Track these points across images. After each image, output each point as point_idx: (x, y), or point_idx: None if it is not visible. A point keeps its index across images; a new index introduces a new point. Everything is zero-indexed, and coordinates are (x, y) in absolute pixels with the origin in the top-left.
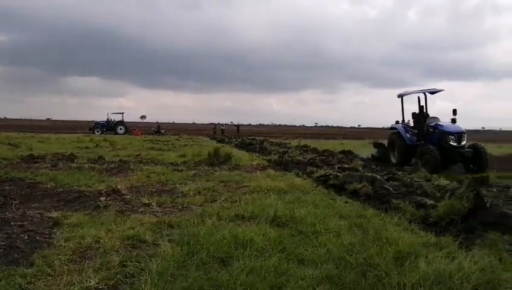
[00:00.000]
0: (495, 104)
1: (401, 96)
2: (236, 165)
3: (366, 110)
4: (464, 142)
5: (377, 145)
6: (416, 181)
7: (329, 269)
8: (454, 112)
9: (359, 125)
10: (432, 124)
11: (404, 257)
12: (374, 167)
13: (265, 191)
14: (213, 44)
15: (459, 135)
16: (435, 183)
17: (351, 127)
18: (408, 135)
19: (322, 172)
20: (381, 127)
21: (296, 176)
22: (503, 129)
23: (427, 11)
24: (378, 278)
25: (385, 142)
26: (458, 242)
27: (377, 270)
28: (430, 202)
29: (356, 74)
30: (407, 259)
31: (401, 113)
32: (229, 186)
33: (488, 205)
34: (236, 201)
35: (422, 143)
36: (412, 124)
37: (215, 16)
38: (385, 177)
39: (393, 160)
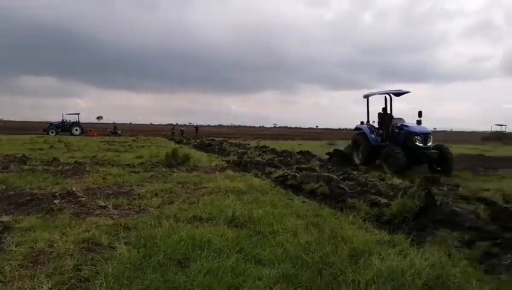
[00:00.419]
0: (446, 105)
1: (367, 96)
2: (194, 166)
3: (324, 111)
4: (429, 143)
5: (336, 152)
6: (370, 181)
7: (286, 268)
8: (420, 113)
9: (317, 126)
10: (397, 125)
11: (359, 255)
12: (330, 167)
13: (224, 192)
14: (172, 44)
15: (425, 135)
16: (389, 183)
17: (309, 128)
18: (373, 136)
19: (280, 172)
20: (337, 128)
21: (254, 176)
22: (453, 130)
23: (382, 14)
24: (334, 276)
25: (340, 143)
26: (410, 239)
27: (332, 269)
28: (383, 200)
29: (314, 76)
30: (361, 257)
31: (367, 113)
32: (187, 187)
33: (438, 203)
34: (194, 202)
35: (388, 144)
36: (376, 125)
37: (174, 16)
38: (341, 177)
39: (357, 161)
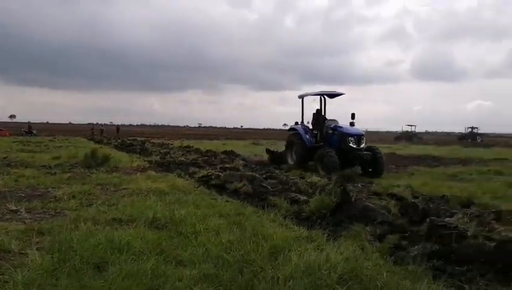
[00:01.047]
0: (363, 106)
1: (301, 97)
2: (115, 167)
3: (249, 112)
4: (363, 145)
5: (269, 151)
6: (291, 179)
7: (207, 268)
8: (353, 115)
9: (242, 126)
10: (331, 126)
11: (279, 252)
12: (253, 166)
13: (145, 193)
14: (91, 41)
15: (358, 137)
16: (308, 181)
17: (234, 128)
18: (307, 137)
19: (204, 172)
20: (262, 128)
21: (178, 176)
22: (369, 130)
23: (303, 19)
24: (254, 273)
25: (265, 143)
26: (327, 235)
27: (253, 266)
28: (303, 198)
29: (238, 76)
30: (281, 253)
31: (301, 114)
32: (107, 189)
33: (353, 199)
34: (114, 204)
35: (322, 145)
36: (311, 126)
37: (93, 13)
38: (264, 176)
39: (291, 162)
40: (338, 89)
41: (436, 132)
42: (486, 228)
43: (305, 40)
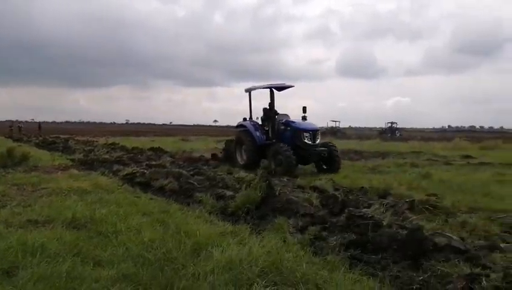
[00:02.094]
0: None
1: (249, 91)
2: (34, 166)
3: (178, 108)
4: (318, 140)
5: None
6: (219, 175)
7: (126, 267)
8: (304, 109)
9: (171, 123)
10: (282, 121)
11: (202, 248)
12: (181, 163)
13: (66, 193)
14: (12, 33)
15: (314, 132)
16: (236, 176)
17: (163, 124)
18: (258, 133)
19: (129, 170)
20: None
21: (101, 175)
22: None
23: (232, 16)
24: (175, 271)
25: (193, 139)
26: (251, 229)
27: (174, 264)
28: (229, 193)
29: (167, 72)
30: (204, 249)
31: (249, 109)
32: (24, 189)
33: (277, 193)
34: (30, 205)
35: (274, 142)
36: (260, 122)
37: (14, 3)
38: (191, 173)
39: (241, 161)
40: None
41: (359, 127)
42: (401, 217)
43: (234, 36)
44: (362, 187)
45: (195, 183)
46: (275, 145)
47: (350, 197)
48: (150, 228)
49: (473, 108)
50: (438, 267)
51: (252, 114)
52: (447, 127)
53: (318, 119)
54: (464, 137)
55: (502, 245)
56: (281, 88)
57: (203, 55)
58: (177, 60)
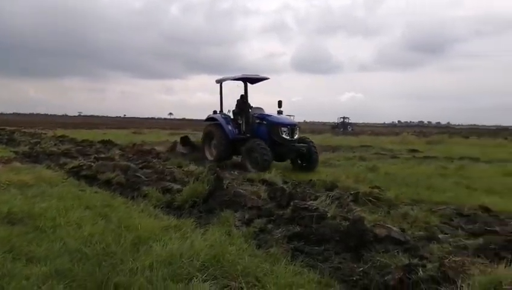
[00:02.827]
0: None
1: (220, 82)
2: None
3: (132, 100)
4: (296, 136)
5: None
6: (168, 168)
7: (61, 263)
8: (280, 103)
9: (125, 115)
10: (256, 115)
11: (142, 242)
12: (131, 156)
13: (5, 187)
14: None
15: (292, 127)
16: (185, 170)
17: (116, 117)
18: (230, 127)
19: (76, 163)
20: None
21: (46, 168)
22: None
23: (188, 8)
24: (113, 266)
25: (147, 132)
26: (196, 223)
27: (113, 259)
28: (176, 186)
29: (122, 63)
30: (145, 244)
31: (220, 101)
32: None
33: (225, 186)
34: None
35: (248, 137)
36: (232, 115)
37: None
38: (140, 166)
39: (210, 157)
40: None
41: (313, 121)
42: (345, 209)
43: (190, 29)
44: (310, 180)
45: (143, 176)
46: (250, 141)
47: (298, 189)
48: (91, 222)
49: (422, 104)
50: (378, 258)
51: (223, 107)
52: (397, 122)
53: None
54: (412, 132)
55: (440, 236)
56: (254, 80)
57: (159, 47)
58: (132, 52)
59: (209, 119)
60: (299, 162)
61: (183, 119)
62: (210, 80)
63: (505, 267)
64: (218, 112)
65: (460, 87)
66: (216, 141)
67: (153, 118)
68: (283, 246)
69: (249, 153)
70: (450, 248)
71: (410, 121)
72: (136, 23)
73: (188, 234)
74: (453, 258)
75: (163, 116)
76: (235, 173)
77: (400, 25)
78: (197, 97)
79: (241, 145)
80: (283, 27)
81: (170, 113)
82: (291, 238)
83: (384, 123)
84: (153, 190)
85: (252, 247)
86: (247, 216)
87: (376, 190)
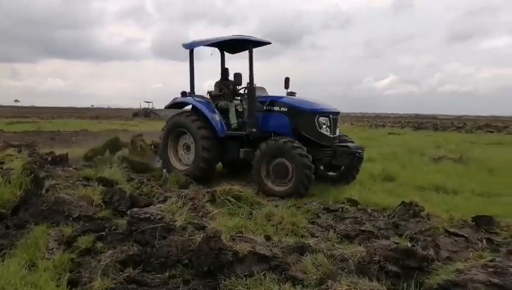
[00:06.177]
0: (102, 83)
1: (190, 47)
2: None
3: None
4: (338, 131)
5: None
6: None
7: None
8: (287, 82)
9: None
10: (263, 99)
11: None
12: None
13: None
14: None
15: (334, 116)
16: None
17: None
18: (217, 118)
19: None
20: None
21: None
22: (110, 106)
23: None
24: None
25: None
26: None
27: None
28: None
29: None
30: None
31: (190, 78)
32: None
33: (44, 190)
34: None
35: (254, 132)
36: (212, 100)
37: None
38: None
39: (181, 167)
40: (77, 64)
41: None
42: (200, 213)
43: (42, 10)
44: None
45: None
46: (271, 141)
47: (144, 189)
48: None
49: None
50: (238, 287)
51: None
52: None
53: (130, 100)
54: None
55: (311, 241)
56: (239, 46)
57: (5, 29)
58: None
59: (175, 105)
60: (326, 170)
61: (32, 107)
62: (63, 65)
63: None
64: (188, 94)
65: (310, 76)
66: (195, 141)
67: None
68: (113, 278)
69: (272, 163)
70: (326, 260)
71: None
72: None
73: None
74: (335, 286)
75: (8, 104)
76: (71, 169)
77: (258, 15)
78: (47, 83)
79: (238, 147)
80: (142, 12)
81: (16, 100)
82: (125, 264)
83: None
84: None
85: (63, 286)
86: (69, 232)
87: (236, 187)
